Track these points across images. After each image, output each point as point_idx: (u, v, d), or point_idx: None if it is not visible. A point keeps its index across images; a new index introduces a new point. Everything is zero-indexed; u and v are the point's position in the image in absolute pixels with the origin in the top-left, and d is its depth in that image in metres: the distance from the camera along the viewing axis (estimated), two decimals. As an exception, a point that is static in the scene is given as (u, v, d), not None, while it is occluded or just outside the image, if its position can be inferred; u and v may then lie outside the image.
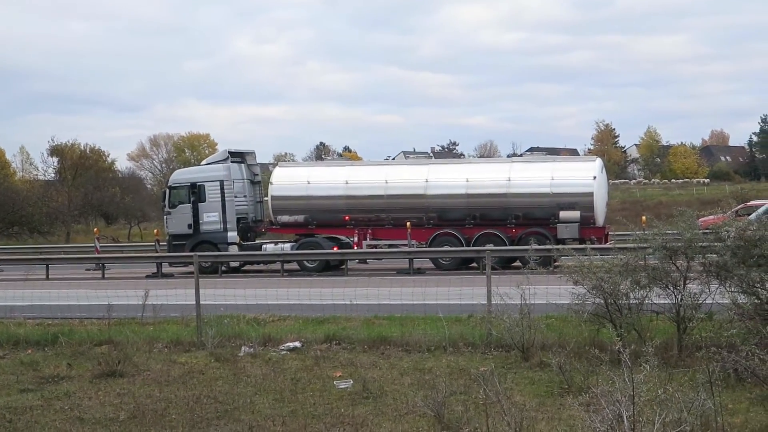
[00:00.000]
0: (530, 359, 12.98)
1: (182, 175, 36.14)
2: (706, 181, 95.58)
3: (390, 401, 10.91)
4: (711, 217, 16.96)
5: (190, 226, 33.67)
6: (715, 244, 12.56)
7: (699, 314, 12.73)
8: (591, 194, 30.48)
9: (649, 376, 8.03)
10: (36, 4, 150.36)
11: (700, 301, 12.81)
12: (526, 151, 76.91)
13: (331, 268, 32.83)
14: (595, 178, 30.87)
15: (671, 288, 12.94)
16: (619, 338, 9.09)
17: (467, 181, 31.97)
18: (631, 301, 12.92)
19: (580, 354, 12.56)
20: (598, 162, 32.86)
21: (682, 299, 12.82)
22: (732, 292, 12.28)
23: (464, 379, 11.92)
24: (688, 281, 12.88)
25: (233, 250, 33.57)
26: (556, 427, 9.47)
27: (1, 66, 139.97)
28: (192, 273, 31.61)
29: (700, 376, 9.37)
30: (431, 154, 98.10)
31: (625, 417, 7.72)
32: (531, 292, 13.51)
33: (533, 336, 13.30)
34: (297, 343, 14.82)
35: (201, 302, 16.07)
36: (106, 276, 33.39)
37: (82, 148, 76.06)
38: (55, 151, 74.28)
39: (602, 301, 12.86)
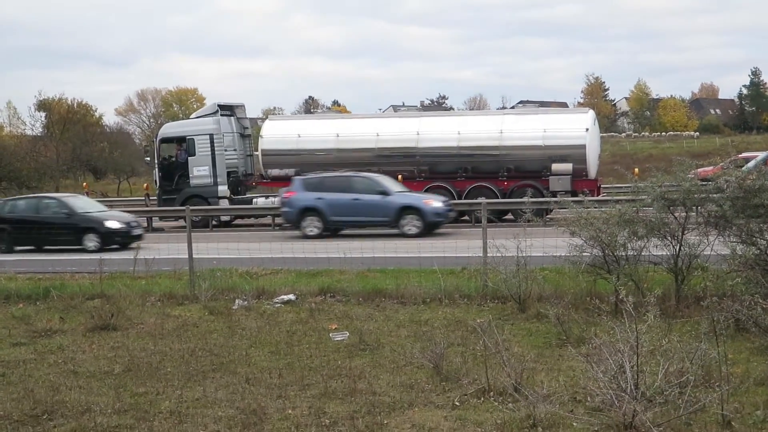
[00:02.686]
0: (527, 311, 12.90)
1: (172, 129, 35.81)
2: (696, 134, 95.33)
3: (387, 353, 10.82)
4: (709, 168, 16.85)
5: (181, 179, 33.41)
6: (714, 194, 12.42)
7: (698, 264, 12.65)
8: (583, 146, 30.31)
9: (649, 327, 7.92)
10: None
11: (699, 252, 12.71)
12: (518, 103, 76.39)
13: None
14: (587, 129, 30.69)
15: (669, 239, 12.83)
16: (622, 288, 8.90)
17: (459, 133, 31.74)
18: (629, 252, 12.80)
19: (577, 305, 12.53)
20: (591, 114, 32.66)
21: (680, 250, 12.71)
22: (731, 242, 12.17)
23: (461, 331, 11.83)
24: (686, 232, 12.75)
25: (224, 204, 33.33)
26: (556, 378, 9.38)
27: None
28: (183, 227, 31.69)
29: (702, 326, 9.29)
30: (420, 108, 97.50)
31: (627, 367, 7.63)
32: (527, 245, 13.39)
33: (530, 287, 13.22)
34: (291, 296, 14.71)
35: (193, 256, 15.93)
36: (96, 230, 33.10)
37: (70, 102, 75.50)
38: (42, 105, 73.72)
39: (600, 252, 12.74)
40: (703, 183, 13.08)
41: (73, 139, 69.49)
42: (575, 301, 12.74)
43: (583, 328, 11.13)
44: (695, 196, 12.55)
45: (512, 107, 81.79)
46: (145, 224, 33.20)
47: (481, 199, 17.13)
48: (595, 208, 13.39)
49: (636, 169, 32.34)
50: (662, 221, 12.83)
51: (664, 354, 8.14)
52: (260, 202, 33.25)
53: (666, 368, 7.91)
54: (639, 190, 13.49)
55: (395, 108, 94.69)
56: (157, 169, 34.32)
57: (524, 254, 13.25)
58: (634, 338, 7.67)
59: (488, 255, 14.33)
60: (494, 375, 9.06)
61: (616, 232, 12.64)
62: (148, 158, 34.16)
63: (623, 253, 12.76)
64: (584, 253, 12.84)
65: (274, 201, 32.86)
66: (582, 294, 13.10)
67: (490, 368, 9.13)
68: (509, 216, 30.44)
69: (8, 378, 10.26)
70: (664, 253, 13.01)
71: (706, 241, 12.65)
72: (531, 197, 20.95)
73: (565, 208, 13.99)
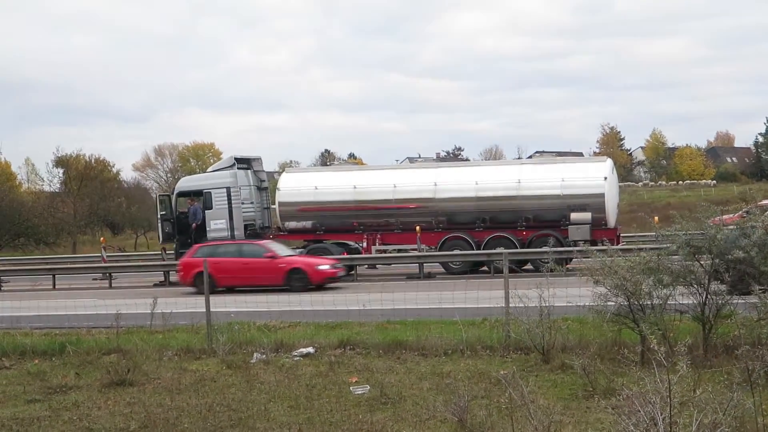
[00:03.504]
0: (551, 362, 12.62)
1: (189, 182, 35.80)
2: (713, 182, 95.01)
3: (409, 407, 10.56)
4: (729, 216, 16.59)
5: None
6: (742, 240, 12.16)
7: (725, 312, 12.36)
8: (602, 195, 30.10)
9: (681, 377, 7.65)
10: (36, 17, 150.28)
11: (726, 300, 12.44)
12: (536, 153, 76.23)
13: (340, 273, 32.43)
14: (606, 178, 30.50)
15: (696, 286, 12.56)
16: (652, 337, 8.64)
17: (476, 183, 31.60)
18: (654, 301, 12.52)
19: (602, 355, 12.24)
20: (609, 162, 32.47)
21: (707, 298, 12.44)
22: (760, 289, 11.88)
23: (485, 383, 11.56)
24: (713, 279, 12.48)
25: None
26: (583, 431, 9.10)
27: (3, 78, 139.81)
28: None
29: (734, 376, 8.99)
30: (437, 160, 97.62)
31: (659, 419, 7.35)
32: (550, 294, 13.16)
33: (553, 338, 12.94)
34: (310, 349, 14.48)
35: (210, 309, 15.73)
36: (113, 285, 33.06)
37: (87, 158, 75.74)
38: (60, 162, 74.01)
39: (624, 301, 12.46)
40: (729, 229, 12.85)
41: (91, 194, 69.69)
42: (600, 351, 12.47)
43: (610, 378, 10.85)
44: (722, 242, 12.28)
45: (528, 157, 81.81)
46: (162, 278, 33.14)
47: (501, 249, 17.06)
48: (619, 256, 13.11)
49: (656, 218, 32.12)
50: (688, 269, 12.57)
51: (697, 405, 7.86)
52: (277, 255, 33.10)
53: (699, 420, 7.62)
54: (664, 238, 13.23)
55: (411, 160, 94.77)
56: (162, 223, 34.10)
57: (547, 304, 13.00)
58: (665, 389, 7.41)
59: (510, 305, 14.07)
60: (520, 428, 8.78)
61: (641, 280, 12.36)
62: (164, 212, 34.02)
63: (648, 302, 12.48)
64: (609, 302, 12.56)
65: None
66: (607, 344, 12.83)
67: (516, 421, 8.86)
68: (528, 266, 30.21)
69: (22, 436, 10.05)
70: (691, 302, 12.74)
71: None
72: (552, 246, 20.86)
73: (588, 257, 13.72)
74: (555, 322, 13.26)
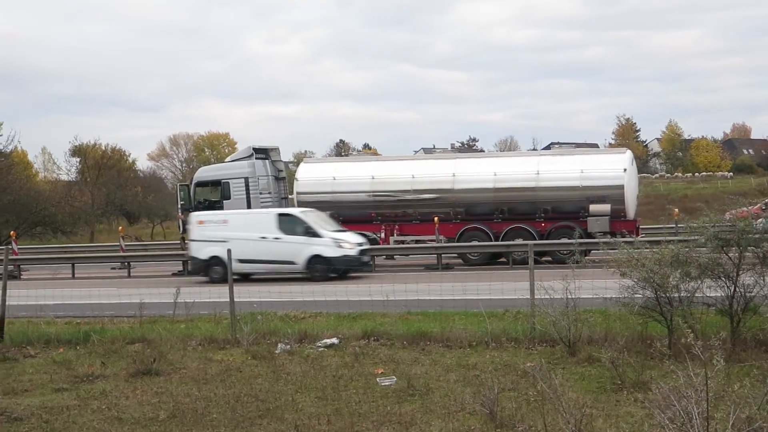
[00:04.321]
0: (577, 354, 12.54)
1: (207, 173, 35.82)
2: (730, 174, 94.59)
3: (437, 398, 10.52)
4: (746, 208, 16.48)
5: None
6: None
7: (753, 306, 12.29)
8: (622, 186, 30.00)
9: (717, 372, 7.58)
10: (51, 6, 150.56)
11: (754, 293, 12.36)
12: (554, 144, 75.84)
13: (358, 264, 32.42)
14: (625, 170, 30.40)
15: (723, 279, 12.48)
16: (689, 331, 8.56)
17: (495, 175, 31.55)
18: (682, 294, 12.44)
19: (629, 348, 12.16)
20: (629, 154, 32.34)
21: (735, 291, 12.36)
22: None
23: (512, 375, 11.53)
24: (741, 272, 12.39)
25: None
26: (615, 425, 9.05)
27: (19, 68, 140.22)
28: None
29: (766, 369, 8.94)
30: (452, 150, 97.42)
31: (695, 413, 7.29)
32: (574, 286, 13.08)
33: (579, 330, 12.86)
34: (334, 340, 14.46)
35: (234, 299, 15.72)
36: (131, 275, 33.14)
37: (104, 148, 76.02)
38: (77, 151, 74.29)
39: (652, 294, 12.39)
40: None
41: (107, 183, 69.99)
42: (627, 344, 12.38)
43: (639, 371, 10.79)
44: (751, 235, 12.20)
45: (544, 149, 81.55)
46: (180, 268, 33.17)
47: (519, 240, 16.98)
48: (646, 248, 13.02)
49: (676, 210, 31.99)
50: (716, 261, 12.49)
51: (732, 400, 7.79)
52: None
53: (735, 415, 7.56)
54: (692, 230, 13.15)
55: (426, 150, 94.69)
56: (181, 213, 34.22)
57: (573, 296, 12.93)
58: (701, 383, 7.35)
59: (535, 297, 14.01)
60: (551, 421, 8.74)
61: (669, 273, 12.29)
62: (183, 202, 34.07)
63: (676, 295, 12.40)
64: (636, 295, 12.50)
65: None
66: (634, 337, 12.74)
67: (546, 414, 8.82)
68: (547, 257, 30.13)
69: (52, 425, 10.05)
70: (718, 295, 12.66)
71: (762, 281, 12.28)
72: (573, 238, 20.77)
73: (614, 249, 13.63)
74: (581, 314, 13.19)
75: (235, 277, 18.94)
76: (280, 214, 28.15)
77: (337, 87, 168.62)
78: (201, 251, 27.84)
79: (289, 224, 27.36)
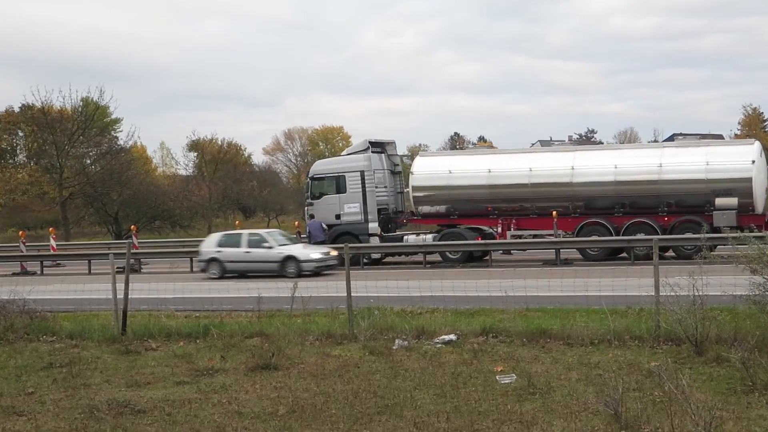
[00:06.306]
0: (705, 354, 12.24)
1: (323, 166, 36.18)
2: None
3: (559, 398, 10.40)
4: None
5: (337, 216, 33.73)
6: None
7: None
8: (750, 179, 29.19)
9: None
10: (170, 5, 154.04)
11: None
12: (676, 135, 73.93)
13: (474, 259, 32.44)
14: (753, 162, 29.55)
15: None
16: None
17: (616, 167, 31.08)
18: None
19: (760, 348, 11.79)
20: (757, 145, 31.38)
21: None
22: None
23: (636, 375, 11.31)
24: None
25: (374, 241, 33.45)
26: (746, 428, 8.80)
27: (140, 66, 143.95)
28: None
29: None
30: (570, 143, 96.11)
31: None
32: (700, 283, 12.76)
33: (707, 329, 12.54)
34: (452, 336, 14.43)
35: (351, 294, 15.84)
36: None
37: (220, 142, 77.54)
38: (194, 146, 75.98)
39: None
40: None
41: (224, 178, 71.33)
42: (758, 343, 12.01)
43: (772, 373, 10.47)
44: None
45: (665, 140, 79.73)
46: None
47: (641, 235, 16.60)
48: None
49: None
50: None
51: None
52: (411, 239, 33.29)
53: None
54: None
55: (543, 143, 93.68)
56: (306, 207, 34.79)
57: (700, 293, 12.62)
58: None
59: (661, 294, 13.71)
60: (678, 423, 8.55)
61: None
62: (309, 199, 34.57)
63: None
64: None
65: (425, 238, 32.86)
66: (766, 336, 12.35)
67: (674, 416, 8.63)
68: (670, 253, 29.57)
69: (174, 417, 10.28)
70: None
71: None
72: (695, 233, 20.28)
73: (743, 244, 13.25)
74: (708, 311, 12.87)
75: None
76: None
77: (451, 79, 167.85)
78: None
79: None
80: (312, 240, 32.94)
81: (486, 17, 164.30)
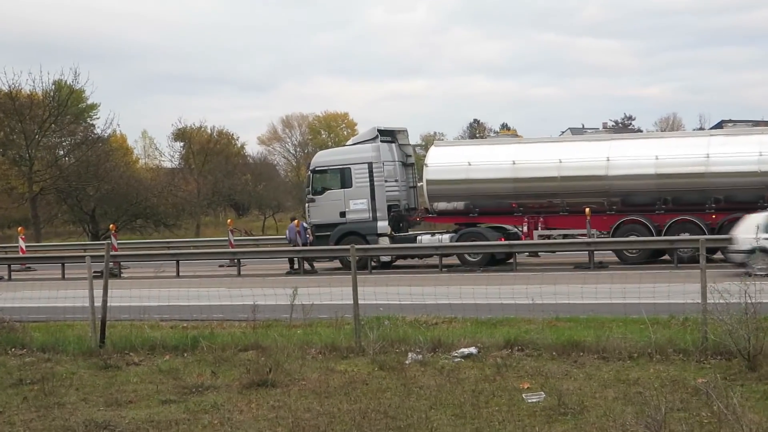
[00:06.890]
0: (758, 369, 12.26)
1: (325, 158, 36.21)
2: None
3: (593, 419, 10.41)
4: None
5: (342, 214, 33.79)
6: None
7: None
8: (809, 172, 29.15)
9: None
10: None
11: None
12: (725, 122, 73.85)
13: (496, 262, 32.51)
14: (813, 152, 29.51)
15: None
16: None
17: (657, 158, 31.08)
18: None
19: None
20: (817, 133, 31.37)
21: None
22: None
23: (680, 393, 11.32)
24: None
25: (384, 242, 33.45)
26: (805, 453, 8.80)
27: (118, 44, 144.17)
28: (338, 269, 32.01)
29: None
30: (605, 131, 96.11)
31: None
32: (754, 289, 12.78)
33: (762, 341, 12.55)
34: (472, 349, 14.46)
35: (358, 302, 15.87)
36: (242, 273, 33.81)
37: (209, 131, 77.36)
38: (181, 134, 75.85)
39: None
40: None
41: (214, 171, 71.27)
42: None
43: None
44: None
45: (713, 128, 79.73)
46: (296, 266, 33.72)
47: (685, 235, 16.58)
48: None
49: None
50: None
51: None
52: (425, 240, 33.29)
53: None
54: None
55: (574, 131, 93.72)
56: (308, 203, 34.86)
57: (753, 300, 12.63)
58: None
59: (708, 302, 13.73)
60: (729, 447, 8.57)
61: None
62: (310, 195, 34.63)
63: None
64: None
65: (441, 239, 32.84)
66: (827, 350, 12.37)
67: (724, 439, 8.65)
68: (718, 254, 29.55)
69: (160, 440, 10.34)
70: None
71: None
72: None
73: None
74: (762, 321, 12.88)
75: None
76: None
77: (469, 60, 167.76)
78: None
79: None
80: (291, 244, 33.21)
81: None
